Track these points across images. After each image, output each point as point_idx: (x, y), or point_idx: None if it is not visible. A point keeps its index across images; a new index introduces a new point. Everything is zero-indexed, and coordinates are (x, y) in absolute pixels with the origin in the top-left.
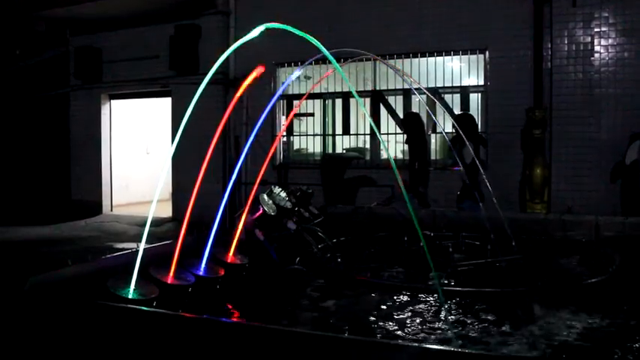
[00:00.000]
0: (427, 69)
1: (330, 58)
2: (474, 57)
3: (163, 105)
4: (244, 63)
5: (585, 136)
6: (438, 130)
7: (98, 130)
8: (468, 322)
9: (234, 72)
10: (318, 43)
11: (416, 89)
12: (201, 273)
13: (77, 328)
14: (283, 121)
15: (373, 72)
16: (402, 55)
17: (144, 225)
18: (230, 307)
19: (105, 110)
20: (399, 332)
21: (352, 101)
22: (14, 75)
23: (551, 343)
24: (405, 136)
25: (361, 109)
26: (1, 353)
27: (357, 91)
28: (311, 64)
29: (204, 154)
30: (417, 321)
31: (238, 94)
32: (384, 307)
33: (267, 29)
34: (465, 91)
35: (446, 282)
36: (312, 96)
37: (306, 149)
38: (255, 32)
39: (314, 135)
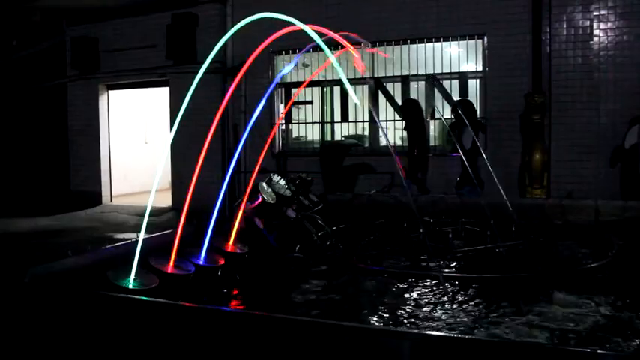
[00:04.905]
0: (425, 55)
1: (324, 47)
2: (472, 42)
3: (161, 94)
4: (242, 51)
5: (584, 121)
6: (436, 117)
7: (96, 120)
8: (468, 308)
9: (232, 60)
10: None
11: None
12: (201, 262)
13: (77, 319)
14: (282, 109)
15: (371, 59)
16: (400, 41)
17: (143, 215)
18: (230, 295)
19: (103, 100)
20: (398, 318)
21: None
22: (11, 66)
23: (550, 327)
24: (404, 122)
25: (360, 96)
26: (1, 343)
27: (354, 79)
28: (309, 51)
29: (202, 143)
30: (418, 307)
31: (235, 82)
32: (383, 293)
33: (264, 17)
34: (463, 77)
35: (446, 268)
36: (311, 84)
37: (305, 137)
38: (246, 21)
39: (313, 123)
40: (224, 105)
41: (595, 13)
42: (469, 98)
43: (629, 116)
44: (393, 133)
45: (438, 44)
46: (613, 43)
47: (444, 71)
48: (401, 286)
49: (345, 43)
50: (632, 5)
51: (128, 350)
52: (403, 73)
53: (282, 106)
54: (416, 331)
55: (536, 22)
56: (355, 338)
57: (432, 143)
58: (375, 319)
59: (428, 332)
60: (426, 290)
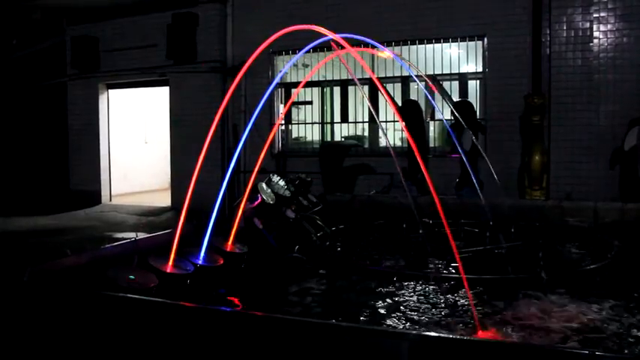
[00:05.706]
0: (425, 56)
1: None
2: (472, 43)
3: (161, 94)
4: (242, 51)
5: (584, 123)
6: (436, 118)
7: (96, 119)
8: (467, 309)
9: (232, 60)
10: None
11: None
12: (200, 262)
13: (76, 318)
14: (281, 110)
15: (371, 59)
16: (400, 42)
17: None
18: (230, 295)
19: (103, 100)
20: (397, 319)
21: (350, 89)
22: (11, 65)
23: (549, 328)
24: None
25: (360, 97)
26: (1, 343)
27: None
28: (309, 51)
29: (202, 142)
30: (417, 308)
31: (235, 82)
32: (382, 294)
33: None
34: (463, 78)
35: (445, 269)
36: (311, 84)
37: (305, 137)
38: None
39: (312, 123)
40: (224, 105)
41: (595, 15)
42: (469, 99)
43: (628, 118)
44: (393, 133)
45: (438, 45)
46: (613, 45)
47: (444, 72)
48: (400, 286)
49: (345, 43)
50: (632, 7)
51: (127, 350)
52: (403, 74)
53: (282, 106)
54: (414, 331)
55: (537, 23)
56: (354, 339)
57: (431, 144)
58: (374, 319)
59: (426, 333)
60: (425, 291)
